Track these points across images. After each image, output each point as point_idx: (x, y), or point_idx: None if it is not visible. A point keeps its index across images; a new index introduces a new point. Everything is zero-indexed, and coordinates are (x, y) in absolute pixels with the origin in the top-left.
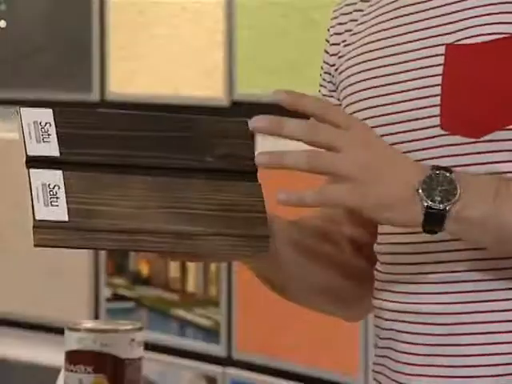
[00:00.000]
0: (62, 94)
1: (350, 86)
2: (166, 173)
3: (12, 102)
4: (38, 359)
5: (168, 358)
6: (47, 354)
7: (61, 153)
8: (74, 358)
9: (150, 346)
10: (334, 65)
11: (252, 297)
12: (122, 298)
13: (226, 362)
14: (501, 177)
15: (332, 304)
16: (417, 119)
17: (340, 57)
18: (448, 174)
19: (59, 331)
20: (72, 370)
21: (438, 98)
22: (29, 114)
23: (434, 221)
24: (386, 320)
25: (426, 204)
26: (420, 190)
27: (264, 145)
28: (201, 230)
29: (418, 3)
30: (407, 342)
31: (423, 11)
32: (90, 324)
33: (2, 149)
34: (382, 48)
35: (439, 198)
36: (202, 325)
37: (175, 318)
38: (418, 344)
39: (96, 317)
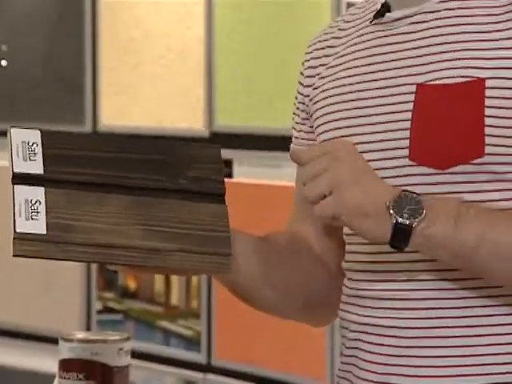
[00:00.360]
0: (57, 126)
1: (325, 115)
2: (141, 193)
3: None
4: (34, 367)
5: (153, 366)
6: (43, 361)
7: (44, 171)
8: (67, 365)
9: (136, 355)
10: (308, 95)
11: (230, 309)
12: (111, 310)
13: (206, 368)
14: (462, 201)
15: (298, 311)
16: (388, 149)
17: (315, 88)
18: (415, 196)
19: (54, 341)
20: (65, 377)
21: (408, 131)
22: (18, 134)
23: (401, 236)
24: (352, 331)
25: (394, 220)
26: (391, 208)
27: (240, 171)
28: (170, 246)
29: (391, 44)
30: (371, 352)
31: (396, 52)
32: (81, 335)
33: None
34: (358, 83)
35: (407, 216)
36: (184, 335)
37: (160, 329)
38: (381, 354)
39: (88, 328)
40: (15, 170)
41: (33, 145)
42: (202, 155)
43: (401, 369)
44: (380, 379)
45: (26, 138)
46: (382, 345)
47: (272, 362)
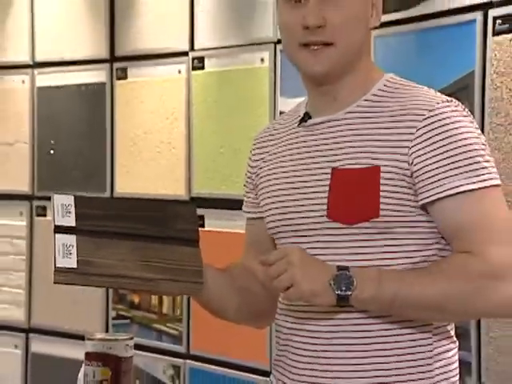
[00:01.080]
0: (86, 192)
1: (266, 187)
2: (141, 239)
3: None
4: (69, 355)
5: (150, 355)
6: (75, 352)
7: (76, 224)
8: (90, 356)
9: (138, 347)
10: (255, 172)
11: (202, 317)
12: (122, 317)
13: (186, 356)
14: (381, 268)
15: (247, 319)
16: (312, 211)
17: (260, 168)
18: (347, 273)
19: (81, 338)
20: (89, 365)
21: (326, 199)
22: (58, 199)
23: (343, 302)
24: (284, 334)
25: (337, 293)
26: (332, 285)
27: (209, 223)
28: (159, 276)
29: (314, 140)
30: (298, 348)
31: (317, 146)
32: (100, 335)
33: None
34: (291, 165)
35: (344, 288)
36: (171, 333)
37: (155, 330)
38: (305, 349)
39: (106, 330)
40: (56, 223)
41: (68, 206)
42: (183, 212)
43: (320, 360)
44: (305, 367)
45: (63, 201)
46: (307, 343)
47: (231, 351)
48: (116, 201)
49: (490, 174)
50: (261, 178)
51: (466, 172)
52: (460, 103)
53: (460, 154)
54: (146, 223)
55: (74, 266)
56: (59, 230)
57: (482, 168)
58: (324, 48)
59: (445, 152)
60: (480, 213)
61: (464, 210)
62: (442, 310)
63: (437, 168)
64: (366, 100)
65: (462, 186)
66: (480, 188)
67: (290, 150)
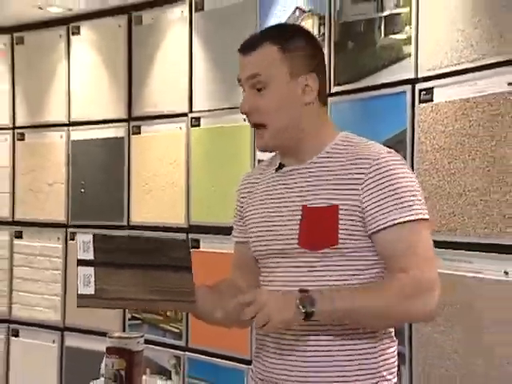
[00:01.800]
0: (107, 221)
1: (251, 218)
2: (145, 267)
3: (82, 226)
4: (94, 348)
5: (157, 348)
6: (99, 346)
7: (94, 257)
8: (110, 351)
9: (148, 342)
10: (242, 206)
11: (197, 320)
12: (135, 318)
13: (185, 349)
14: (332, 288)
15: (233, 324)
16: (286, 239)
17: (247, 203)
18: (309, 294)
19: (104, 335)
20: (108, 357)
21: (297, 231)
22: (81, 236)
23: (309, 317)
24: (260, 334)
25: (304, 311)
26: (300, 307)
27: (204, 245)
28: (159, 298)
29: (287, 183)
30: (271, 342)
31: (290, 188)
32: (118, 333)
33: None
34: (271, 202)
35: (308, 306)
36: (173, 331)
37: (161, 328)
38: (278, 343)
39: (123, 329)
40: (78, 258)
41: (88, 243)
42: (178, 245)
43: (288, 357)
44: (276, 361)
45: (84, 239)
46: (279, 343)
47: (221, 344)
48: (125, 238)
49: (420, 210)
50: (247, 210)
51: (401, 208)
52: (398, 154)
53: (397, 194)
54: (148, 255)
55: (92, 292)
56: (81, 263)
57: (414, 205)
58: (259, 129)
59: (386, 192)
60: (410, 242)
61: (398, 240)
62: (386, 318)
63: (380, 205)
64: (326, 152)
65: (396, 219)
66: (411, 221)
67: (269, 190)
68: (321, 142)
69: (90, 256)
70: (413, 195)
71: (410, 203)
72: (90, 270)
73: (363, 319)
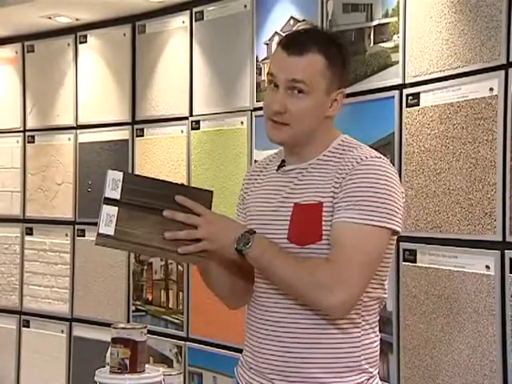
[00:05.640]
0: None
1: (250, 208)
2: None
3: (89, 223)
4: (100, 338)
5: (160, 338)
6: (104, 336)
7: (120, 197)
8: (115, 340)
9: (151, 332)
10: (245, 197)
11: (198, 311)
12: (139, 310)
13: (186, 339)
14: (273, 241)
15: (230, 296)
16: (276, 234)
17: (248, 194)
18: (248, 235)
19: (110, 326)
20: (114, 346)
21: (287, 226)
22: (111, 174)
23: (240, 254)
24: (251, 323)
25: (235, 246)
26: (235, 241)
27: None
28: (173, 249)
29: (286, 182)
30: (257, 327)
31: (287, 187)
32: (122, 324)
33: (85, 244)
34: (268, 197)
35: (241, 245)
36: (175, 322)
37: (163, 319)
38: (263, 329)
39: (127, 320)
40: (106, 195)
41: (117, 181)
42: (202, 195)
43: (271, 348)
44: (263, 345)
45: (114, 177)
46: (266, 320)
47: (218, 335)
48: (154, 181)
49: (384, 218)
50: (248, 201)
51: (363, 210)
52: (387, 159)
53: (367, 195)
54: (171, 202)
55: (112, 233)
56: (107, 201)
57: (379, 211)
58: (282, 125)
59: (357, 191)
60: (353, 240)
61: (345, 234)
62: (287, 286)
63: (346, 201)
64: (324, 155)
65: (354, 218)
66: (367, 224)
67: (269, 186)
68: (325, 145)
69: (116, 195)
70: (384, 202)
71: (376, 208)
72: (114, 211)
73: (273, 278)
